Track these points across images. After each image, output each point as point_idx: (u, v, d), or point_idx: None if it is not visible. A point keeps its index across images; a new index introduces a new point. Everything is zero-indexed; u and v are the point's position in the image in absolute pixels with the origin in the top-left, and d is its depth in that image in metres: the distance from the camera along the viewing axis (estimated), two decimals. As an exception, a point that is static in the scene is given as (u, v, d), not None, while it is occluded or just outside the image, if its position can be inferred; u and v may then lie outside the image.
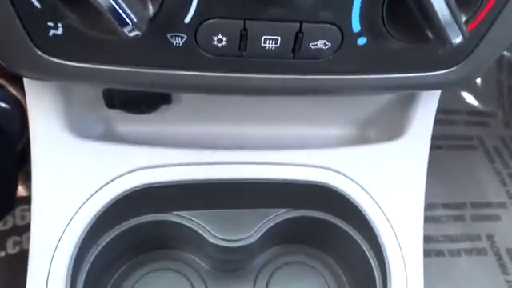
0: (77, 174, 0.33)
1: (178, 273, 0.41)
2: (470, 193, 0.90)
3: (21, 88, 0.77)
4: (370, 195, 0.36)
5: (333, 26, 0.24)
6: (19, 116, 0.73)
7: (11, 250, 0.74)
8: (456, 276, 0.79)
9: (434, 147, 1.04)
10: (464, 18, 0.24)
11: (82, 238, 0.32)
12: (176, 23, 0.23)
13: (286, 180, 0.35)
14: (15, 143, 0.70)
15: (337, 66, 0.27)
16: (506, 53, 1.07)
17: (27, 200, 0.85)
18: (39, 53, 0.25)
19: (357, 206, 0.36)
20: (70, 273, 0.31)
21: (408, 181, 0.38)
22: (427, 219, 0.87)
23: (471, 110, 1.04)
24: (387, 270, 0.35)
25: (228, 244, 0.36)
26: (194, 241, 0.38)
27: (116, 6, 0.20)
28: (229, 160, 0.35)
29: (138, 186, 0.33)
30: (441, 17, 0.22)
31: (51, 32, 0.24)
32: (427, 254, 0.82)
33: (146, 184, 0.33)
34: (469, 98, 1.06)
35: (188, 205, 0.37)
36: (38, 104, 0.32)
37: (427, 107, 0.37)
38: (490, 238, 0.84)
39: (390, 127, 0.39)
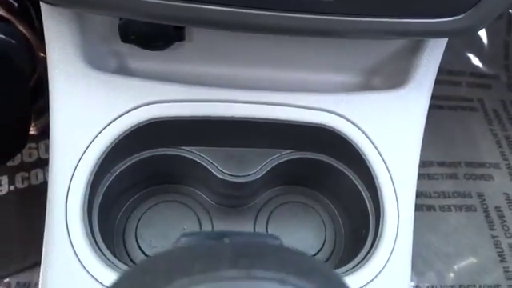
0: (92, 104, 0.34)
1: (185, 205, 0.43)
2: (465, 152, 0.93)
3: (28, 25, 0.77)
4: (370, 139, 0.38)
5: None
6: (28, 52, 0.74)
7: (20, 184, 0.77)
8: (445, 229, 0.83)
9: (435, 107, 1.05)
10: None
11: (97, 165, 0.34)
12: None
13: (291, 121, 0.37)
14: (28, 79, 0.71)
15: (343, 7, 0.28)
16: (515, 13, 1.06)
17: (34, 138, 0.87)
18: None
19: (357, 150, 0.38)
20: (87, 198, 0.33)
21: (407, 128, 0.39)
22: (422, 176, 0.90)
23: (475, 72, 1.05)
24: (381, 212, 0.37)
25: (233, 179, 0.39)
26: (201, 176, 0.40)
27: None
28: (237, 99, 0.36)
29: (149, 120, 0.35)
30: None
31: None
32: (419, 208, 0.85)
33: (157, 118, 0.35)
34: (474, 60, 1.05)
35: (196, 141, 0.39)
36: (56, 34, 0.33)
37: (431, 58, 0.38)
38: (480, 196, 0.87)
39: (394, 76, 0.40)
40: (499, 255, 0.80)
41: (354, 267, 0.35)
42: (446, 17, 0.29)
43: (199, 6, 0.27)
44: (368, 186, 0.39)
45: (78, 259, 0.32)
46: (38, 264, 0.70)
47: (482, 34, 1.06)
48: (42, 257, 0.36)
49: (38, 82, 0.79)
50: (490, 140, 0.96)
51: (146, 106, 0.35)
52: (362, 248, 0.36)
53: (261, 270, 0.13)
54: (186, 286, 0.12)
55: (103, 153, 0.34)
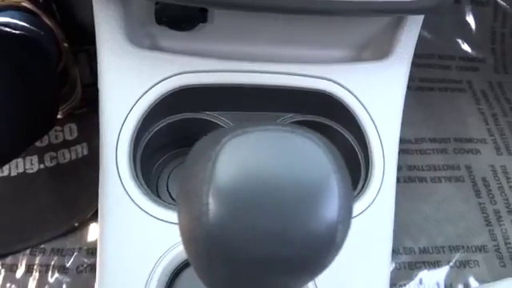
0: (133, 75, 0.42)
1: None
2: (454, 129, 1.00)
3: (53, 18, 0.85)
4: (360, 102, 0.45)
5: None
6: (54, 43, 0.81)
7: (48, 163, 0.85)
8: (436, 198, 0.91)
9: (426, 89, 1.13)
10: None
11: (138, 124, 0.42)
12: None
13: (296, 87, 0.45)
14: (57, 64, 0.79)
15: None
16: (502, 2, 1.14)
17: (60, 122, 0.94)
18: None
19: (350, 111, 0.46)
20: (131, 150, 0.41)
21: (391, 92, 0.47)
22: (415, 151, 0.98)
23: (464, 56, 1.12)
24: (370, 162, 0.45)
25: None
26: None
27: None
28: (250, 69, 0.44)
29: (179, 87, 0.43)
30: None
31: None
32: (412, 180, 0.93)
33: (185, 85, 0.43)
34: (463, 45, 1.13)
35: (217, 106, 0.47)
36: (104, 17, 0.41)
37: (410, 34, 0.46)
38: (468, 168, 0.95)
39: (380, 49, 0.47)
40: (485, 220, 0.88)
41: None
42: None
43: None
44: (359, 141, 0.47)
45: (127, 193, 0.39)
46: (69, 232, 0.78)
47: (471, 20, 1.14)
48: (99, 195, 0.43)
49: (63, 70, 0.87)
50: (478, 118, 1.03)
51: (176, 76, 0.43)
52: (354, 189, 0.44)
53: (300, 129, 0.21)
54: (239, 132, 0.19)
55: (143, 114, 0.42)
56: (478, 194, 0.92)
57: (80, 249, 0.77)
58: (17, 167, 0.84)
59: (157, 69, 0.42)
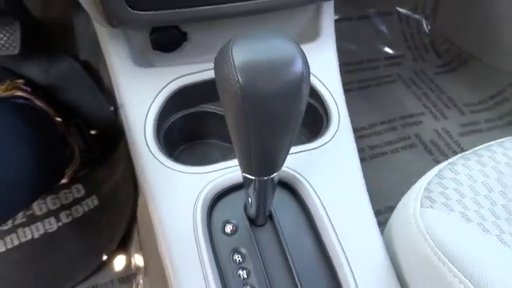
0: (145, 82, 0.57)
1: (211, 146, 0.65)
2: (397, 111, 1.20)
3: (43, 100, 1.00)
4: (312, 74, 0.62)
5: None
6: (48, 117, 0.96)
7: (65, 220, 0.95)
8: (399, 165, 1.07)
9: (365, 87, 1.34)
10: None
11: (157, 117, 0.56)
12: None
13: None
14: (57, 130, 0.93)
15: None
16: (402, 10, 1.41)
17: (66, 185, 1.05)
18: (129, 8, 0.50)
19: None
20: (156, 134, 0.55)
21: (329, 63, 0.64)
22: (371, 134, 1.15)
23: (387, 56, 1.36)
24: (327, 110, 0.61)
25: None
26: (217, 123, 0.63)
27: None
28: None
29: (179, 87, 0.59)
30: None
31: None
32: (375, 156, 1.10)
33: (183, 85, 0.59)
34: (385, 48, 1.37)
35: (211, 98, 0.62)
36: (113, 47, 0.57)
37: (327, 21, 0.65)
38: (417, 135, 1.14)
39: (311, 33, 0.66)
40: (442, 170, 1.05)
41: (317, 135, 0.59)
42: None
43: (195, 8, 0.53)
44: (320, 103, 0.63)
45: (150, 151, 0.53)
46: (99, 268, 0.87)
47: (383, 28, 1.39)
48: (133, 159, 0.56)
49: (61, 137, 1.00)
50: (412, 98, 1.24)
51: (175, 81, 0.58)
52: (320, 128, 0.60)
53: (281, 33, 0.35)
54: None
55: (159, 109, 0.56)
56: (430, 152, 1.09)
57: (112, 281, 0.85)
58: (38, 230, 0.93)
59: (160, 79, 0.58)
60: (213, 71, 0.59)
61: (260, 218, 0.50)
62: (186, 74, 0.59)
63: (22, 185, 0.69)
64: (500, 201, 0.48)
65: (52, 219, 0.95)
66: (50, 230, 0.93)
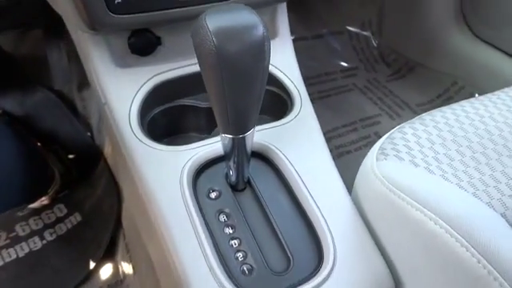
0: (126, 80, 0.64)
1: (191, 139, 0.71)
2: (356, 115, 1.31)
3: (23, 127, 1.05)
4: (275, 66, 0.71)
5: None
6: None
7: (49, 237, 0.96)
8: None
9: (325, 97, 1.46)
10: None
11: (139, 111, 0.62)
12: None
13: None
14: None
15: None
16: (351, 28, 1.56)
17: (49, 206, 1.08)
18: (109, 12, 0.58)
19: (274, 75, 0.71)
20: (140, 126, 0.61)
21: (288, 58, 0.74)
22: (335, 136, 1.25)
23: (343, 69, 1.49)
24: (292, 99, 0.70)
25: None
26: (195, 113, 0.70)
27: None
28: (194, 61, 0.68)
29: (159, 82, 0.66)
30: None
31: (116, 1, 0.57)
32: (341, 155, 1.19)
33: (162, 80, 0.66)
34: (340, 62, 1.50)
35: (189, 93, 0.69)
36: (96, 52, 0.64)
37: (282, 21, 0.75)
38: (376, 134, 1.24)
39: (270, 34, 0.75)
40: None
41: (282, 117, 0.67)
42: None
43: (168, 11, 0.61)
44: (286, 93, 0.71)
45: (136, 136, 0.59)
46: (87, 278, 0.88)
47: (337, 45, 1.53)
48: (123, 146, 0.61)
49: (42, 160, 1.04)
50: (369, 103, 1.36)
51: (153, 78, 0.66)
52: (288, 112, 0.68)
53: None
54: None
55: (140, 104, 0.63)
56: (390, 147, 1.19)
57: (101, 288, 0.87)
58: (22, 249, 0.94)
59: (140, 77, 0.65)
60: (186, 68, 0.68)
61: (240, 183, 0.57)
62: (162, 72, 0.67)
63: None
64: (441, 150, 0.57)
65: (36, 238, 0.97)
66: (35, 249, 0.95)
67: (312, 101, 0.71)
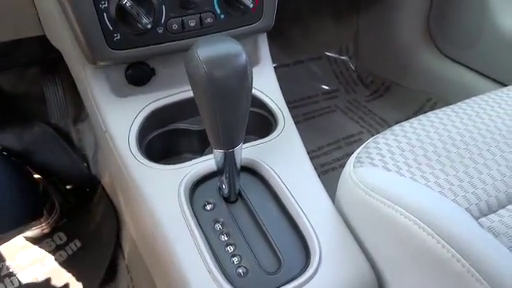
0: (124, 108, 0.70)
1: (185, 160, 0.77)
2: (339, 133, 1.39)
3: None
4: (260, 91, 0.78)
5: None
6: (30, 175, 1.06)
7: (51, 265, 1.00)
8: (347, 176, 1.23)
9: (309, 118, 1.54)
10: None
11: (137, 136, 0.68)
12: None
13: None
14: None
15: (217, 28, 0.71)
16: (330, 54, 1.66)
17: (48, 235, 1.11)
18: (109, 48, 0.65)
19: (256, 97, 0.78)
20: (139, 148, 0.67)
21: (270, 83, 0.81)
22: (320, 154, 1.32)
23: (324, 92, 1.57)
24: (276, 118, 0.77)
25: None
26: (188, 135, 0.76)
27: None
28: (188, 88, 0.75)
29: (155, 109, 0.72)
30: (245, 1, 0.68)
31: (115, 38, 0.64)
32: (327, 172, 1.25)
33: (158, 107, 0.73)
34: (321, 85, 1.59)
35: (183, 116, 0.75)
36: (96, 83, 0.70)
37: (263, 50, 0.83)
38: (359, 150, 1.31)
39: (252, 62, 0.83)
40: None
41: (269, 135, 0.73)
42: (252, 24, 0.74)
43: (161, 45, 0.68)
44: (270, 113, 0.78)
45: (135, 158, 0.64)
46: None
47: (317, 70, 1.62)
48: (124, 168, 0.67)
49: (44, 190, 1.09)
50: (351, 122, 1.44)
51: (149, 105, 0.72)
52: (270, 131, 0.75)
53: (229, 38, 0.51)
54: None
55: (138, 129, 0.69)
56: (372, 161, 1.26)
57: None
58: (24, 278, 0.98)
59: (137, 104, 0.72)
60: (178, 95, 0.75)
61: (232, 195, 0.63)
62: (157, 99, 0.74)
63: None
64: (410, 156, 0.64)
65: (38, 265, 1.00)
66: (37, 276, 0.98)
67: (297, 122, 0.78)
